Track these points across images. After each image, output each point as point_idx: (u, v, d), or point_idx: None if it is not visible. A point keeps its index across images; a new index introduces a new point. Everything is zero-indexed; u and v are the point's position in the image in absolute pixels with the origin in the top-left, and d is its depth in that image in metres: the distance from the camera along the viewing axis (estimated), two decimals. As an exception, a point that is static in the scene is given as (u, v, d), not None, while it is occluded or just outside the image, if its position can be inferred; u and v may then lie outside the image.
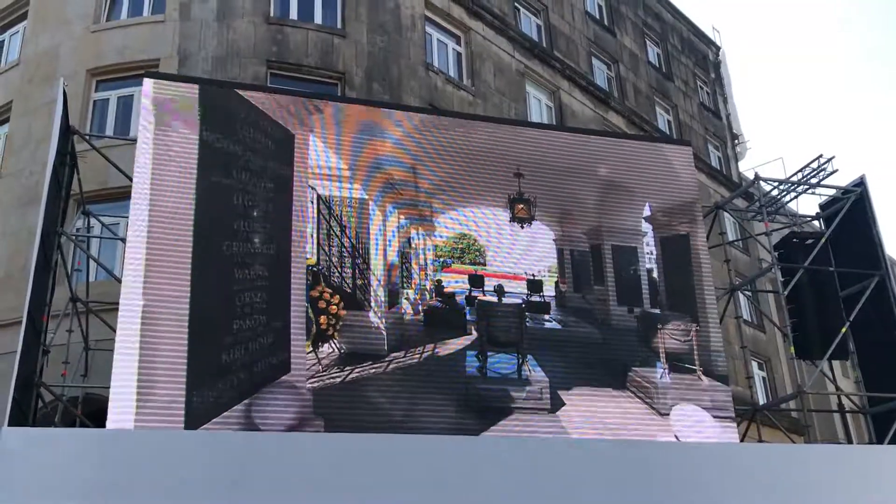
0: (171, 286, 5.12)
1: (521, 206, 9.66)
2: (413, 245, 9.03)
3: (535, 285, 9.60)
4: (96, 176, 12.22)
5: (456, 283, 9.12)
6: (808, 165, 13.87)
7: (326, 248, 7.63)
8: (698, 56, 27.38)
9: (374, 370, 7.61)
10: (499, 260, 9.60)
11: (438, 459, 7.88)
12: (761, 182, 14.03)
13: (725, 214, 14.41)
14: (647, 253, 10.07)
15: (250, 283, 5.88)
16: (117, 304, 9.07)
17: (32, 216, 10.83)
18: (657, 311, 9.39)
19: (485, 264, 9.49)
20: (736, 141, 26.89)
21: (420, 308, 8.76)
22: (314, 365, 6.84)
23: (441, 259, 9.24)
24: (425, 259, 9.03)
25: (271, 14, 15.19)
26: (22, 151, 13.98)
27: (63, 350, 10.48)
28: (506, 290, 9.36)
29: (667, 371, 8.66)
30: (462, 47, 17.72)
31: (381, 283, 8.16)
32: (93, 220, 12.15)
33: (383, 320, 7.99)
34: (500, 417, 7.36)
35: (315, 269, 7.31)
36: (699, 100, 25.91)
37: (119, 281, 10.04)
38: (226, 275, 5.40)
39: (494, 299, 9.16)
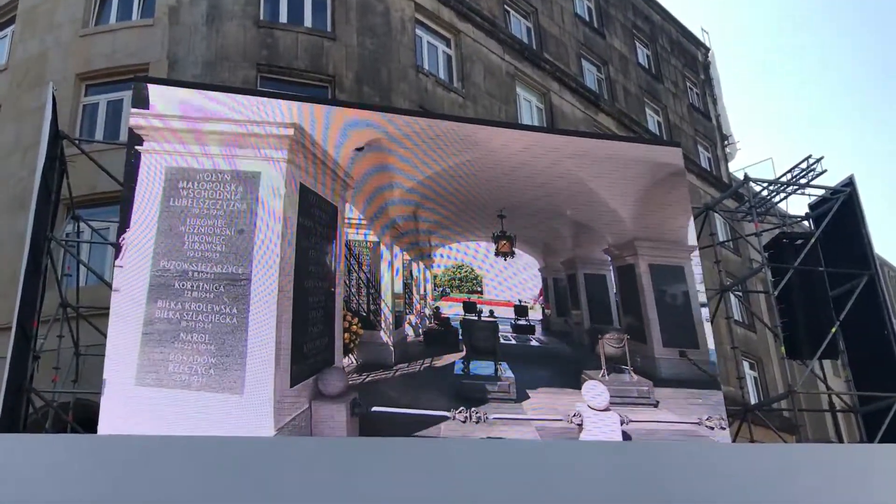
0: (285, 302, 7.66)
1: (504, 242, 10.89)
2: (414, 277, 10.63)
3: (521, 310, 10.95)
4: (86, 180, 12.17)
5: (451, 308, 10.69)
6: (797, 166, 13.92)
7: (347, 280, 9.30)
8: (688, 57, 27.48)
9: (384, 376, 9.22)
10: (495, 289, 10.90)
11: (436, 462, 8.22)
12: (751, 183, 14.10)
13: (716, 215, 14.46)
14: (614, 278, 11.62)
15: (316, 306, 8.24)
16: (107, 308, 9.28)
17: (22, 222, 10.78)
18: (599, 325, 10.95)
19: (482, 292, 10.79)
20: (725, 142, 26.99)
21: (420, 331, 10.23)
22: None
23: (441, 288, 10.64)
24: (425, 289, 10.59)
25: (261, 17, 15.17)
26: (11, 157, 13.92)
27: (53, 356, 10.43)
28: (496, 315, 10.78)
29: (606, 371, 10.27)
30: (452, 50, 17.74)
31: (390, 308, 9.84)
32: (82, 225, 12.10)
33: (391, 338, 9.56)
34: (479, 404, 9.02)
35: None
36: (689, 101, 26.00)
37: (109, 286, 10.01)
38: (306, 300, 7.90)
39: (475, 318, 10.74)
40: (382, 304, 9.61)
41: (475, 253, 10.99)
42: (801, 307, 12.86)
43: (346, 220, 9.21)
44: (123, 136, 12.33)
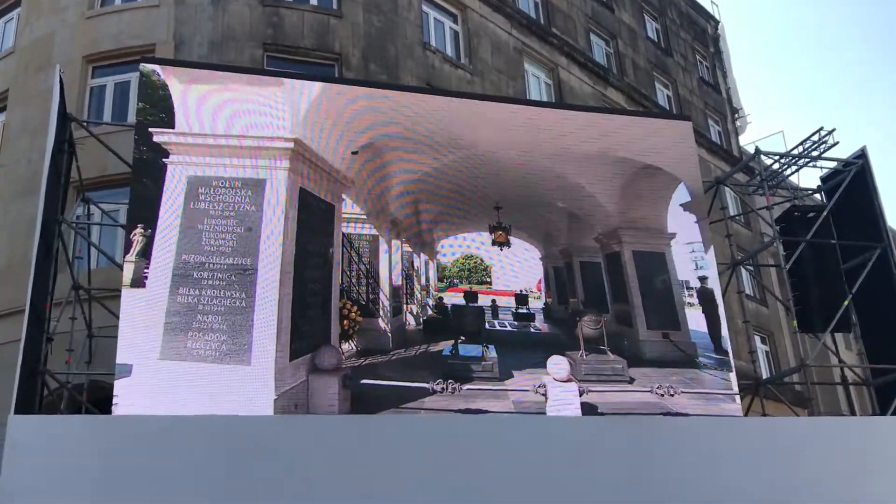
0: (286, 289, 8.78)
1: (500, 232, 11.51)
2: (416, 268, 11.43)
3: (521, 299, 11.65)
4: (95, 163, 12.18)
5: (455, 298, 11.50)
6: (808, 138, 13.81)
7: (348, 272, 10.28)
8: (697, 30, 27.20)
9: (381, 360, 10.06)
10: (504, 277, 11.58)
11: (433, 436, 8.99)
12: (762, 156, 13.98)
13: (727, 189, 14.37)
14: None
15: (313, 292, 9.23)
16: (119, 290, 9.73)
17: (32, 205, 10.80)
18: (579, 309, 11.59)
19: (490, 283, 11.53)
20: (736, 115, 26.77)
21: (421, 319, 11.08)
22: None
23: (449, 279, 11.37)
24: (427, 279, 11.41)
25: (266, -4, 15.08)
26: (20, 140, 13.94)
27: (66, 338, 10.50)
28: (498, 304, 11.55)
29: (584, 351, 10.89)
30: (459, 25, 17.61)
31: (388, 298, 10.68)
32: (92, 208, 12.13)
33: (389, 325, 10.42)
34: (464, 382, 9.80)
35: (340, 286, 9.99)
36: (698, 74, 25.77)
37: (120, 267, 10.21)
38: (304, 287, 9.00)
39: (463, 304, 11.42)
40: (381, 294, 10.57)
41: (482, 244, 11.54)
42: (813, 280, 12.81)
43: (349, 215, 10.27)
44: (132, 119, 12.33)
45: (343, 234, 10.23)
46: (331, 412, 9.07)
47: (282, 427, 8.97)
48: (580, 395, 9.82)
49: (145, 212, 9.27)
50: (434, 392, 9.44)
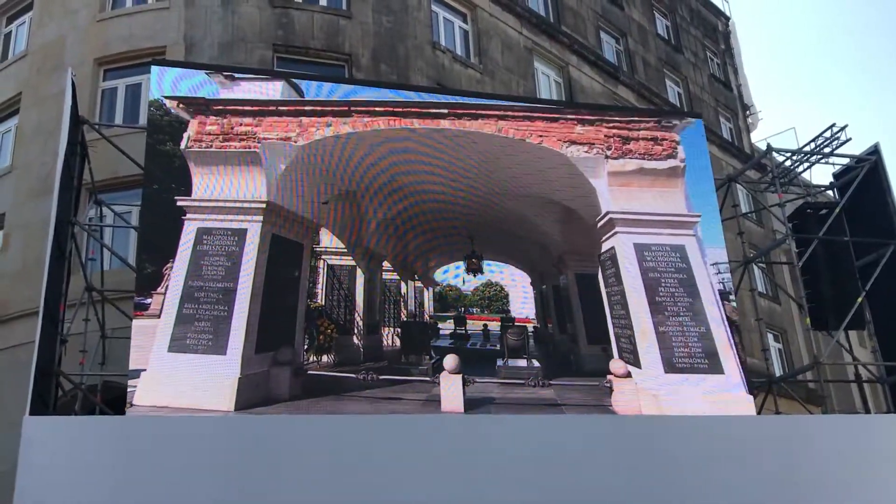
0: (255, 305, 10.80)
1: (473, 260, 12.58)
2: (403, 294, 13.21)
3: (507, 321, 12.81)
4: (107, 165, 12.25)
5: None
6: (821, 135, 13.74)
7: (330, 296, 12.35)
8: (707, 27, 27.10)
9: (350, 368, 11.71)
10: (519, 305, 12.90)
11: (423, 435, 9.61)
12: (774, 153, 13.92)
13: (738, 186, 14.32)
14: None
15: (281, 307, 11.33)
16: (132, 292, 10.37)
17: (45, 207, 10.89)
18: (506, 323, 12.92)
19: (509, 311, 12.79)
20: (747, 112, 26.66)
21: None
22: (316, 364, 11.61)
23: (464, 307, 12.86)
24: (416, 304, 13.30)
25: (276, -3, 15.13)
26: (33, 142, 14.04)
27: (80, 339, 10.59)
28: (490, 327, 13.05)
29: (507, 359, 12.27)
30: (469, 25, 17.62)
31: (362, 318, 12.63)
32: (105, 210, 12.21)
33: (362, 342, 12.43)
34: (380, 374, 11.21)
35: (321, 308, 12.11)
36: (709, 71, 25.68)
37: (133, 269, 10.69)
38: (273, 303, 11.15)
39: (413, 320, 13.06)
40: (356, 315, 12.64)
41: (492, 271, 12.70)
42: (826, 278, 12.75)
43: (333, 248, 12.52)
44: (143, 121, 12.40)
45: (328, 265, 12.39)
46: (282, 392, 10.69)
47: (302, 427, 9.45)
48: (464, 385, 10.82)
49: (156, 241, 11.28)
50: (359, 380, 11.07)
